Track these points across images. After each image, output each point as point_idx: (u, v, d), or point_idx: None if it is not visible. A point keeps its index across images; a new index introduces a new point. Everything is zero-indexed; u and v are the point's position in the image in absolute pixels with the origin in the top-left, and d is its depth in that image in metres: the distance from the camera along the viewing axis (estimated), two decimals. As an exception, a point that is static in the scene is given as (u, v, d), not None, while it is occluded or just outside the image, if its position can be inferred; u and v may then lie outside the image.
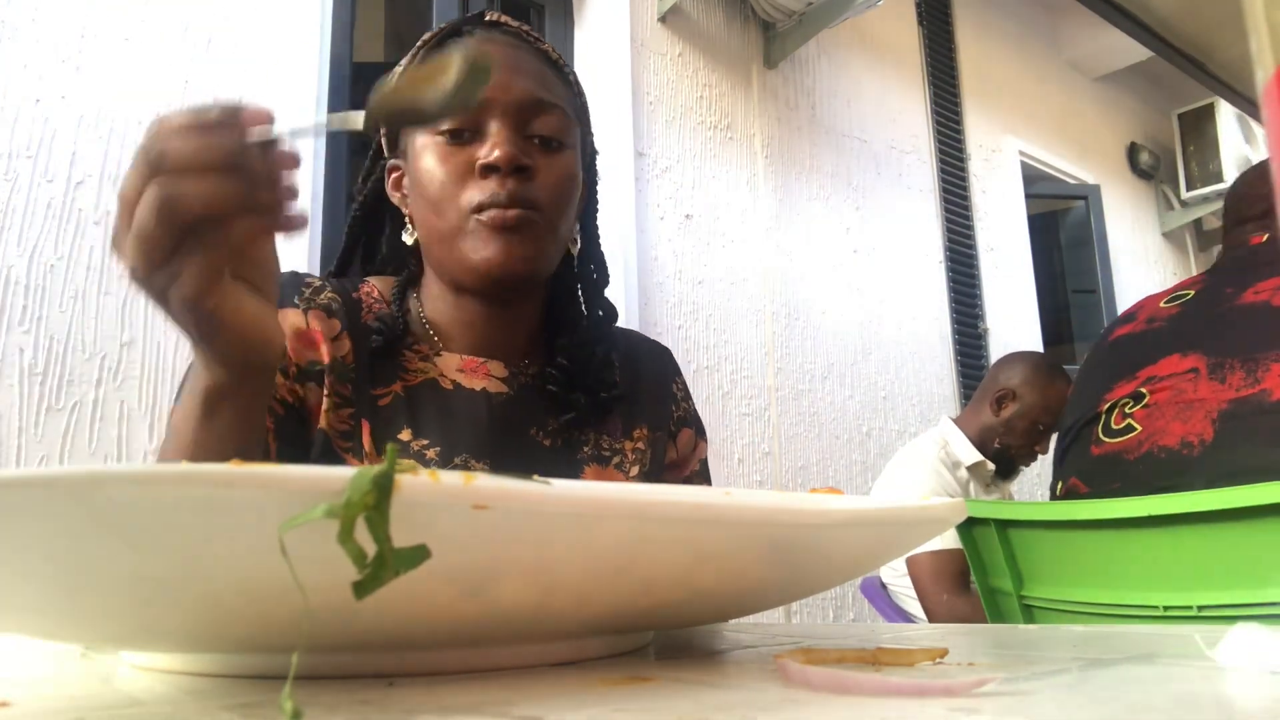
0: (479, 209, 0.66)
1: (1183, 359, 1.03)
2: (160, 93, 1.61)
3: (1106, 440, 1.08)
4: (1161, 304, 1.17)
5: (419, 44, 0.73)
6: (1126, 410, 1.06)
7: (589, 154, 0.79)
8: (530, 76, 0.70)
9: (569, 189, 0.71)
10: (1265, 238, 1.14)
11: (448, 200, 0.67)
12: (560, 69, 0.74)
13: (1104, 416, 1.10)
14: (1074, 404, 1.20)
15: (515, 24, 0.75)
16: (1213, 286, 1.12)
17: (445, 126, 0.68)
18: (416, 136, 0.70)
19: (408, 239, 0.74)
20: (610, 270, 0.83)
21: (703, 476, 0.85)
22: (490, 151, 0.66)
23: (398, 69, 0.73)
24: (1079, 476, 1.12)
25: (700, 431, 0.85)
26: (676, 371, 0.86)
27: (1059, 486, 1.17)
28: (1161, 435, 1.00)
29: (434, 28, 0.75)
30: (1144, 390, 1.05)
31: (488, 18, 0.74)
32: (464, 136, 0.68)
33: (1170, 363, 1.04)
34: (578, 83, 0.77)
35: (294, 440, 0.66)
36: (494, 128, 0.67)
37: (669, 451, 0.81)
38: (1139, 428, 1.04)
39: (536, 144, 0.69)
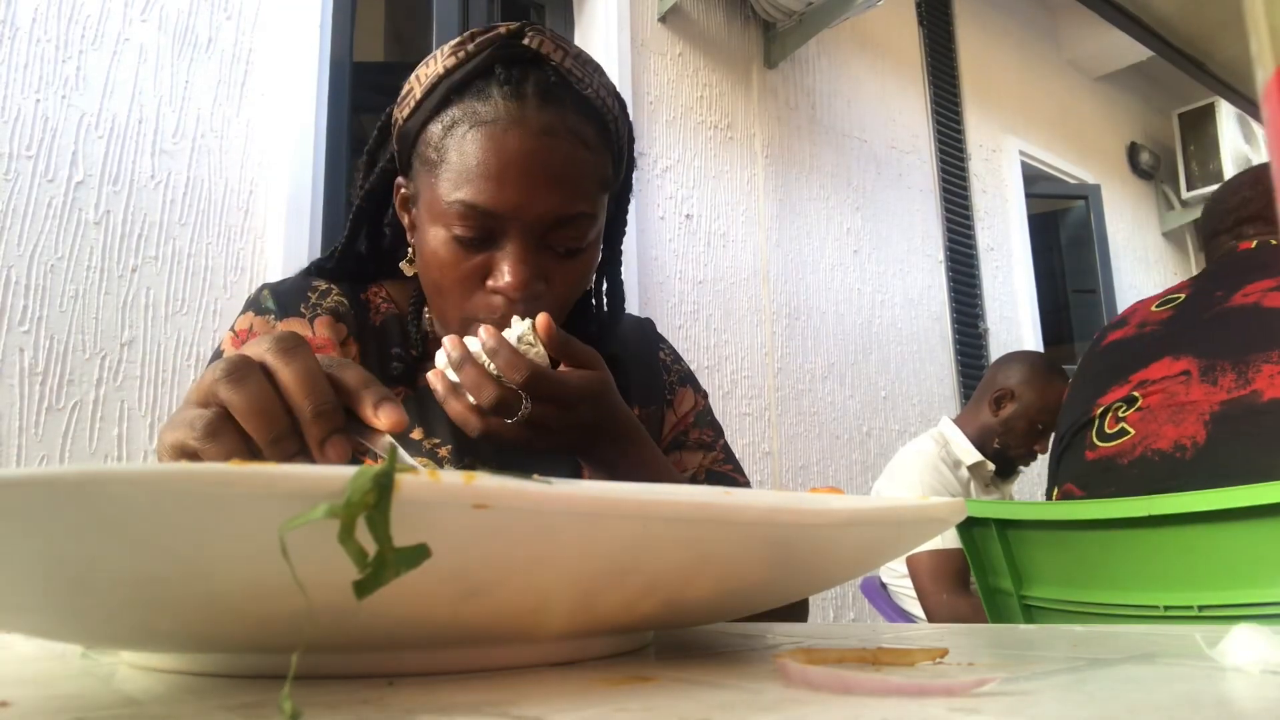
0: (480, 319, 0.63)
1: (1174, 362, 1.03)
2: (160, 93, 1.61)
3: (1100, 445, 1.08)
4: (1153, 308, 1.17)
5: (442, 74, 0.64)
6: (1120, 414, 1.06)
7: (625, 173, 0.73)
8: (559, 181, 0.62)
9: (580, 287, 0.68)
10: (1254, 244, 1.15)
11: (450, 299, 0.65)
12: (601, 119, 0.66)
13: (1097, 421, 1.10)
14: (1068, 410, 1.21)
15: (555, 59, 0.64)
16: (1204, 289, 1.12)
17: (458, 232, 0.62)
18: (429, 224, 0.64)
19: (407, 269, 0.72)
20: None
21: (703, 426, 0.82)
22: (501, 276, 0.62)
23: (415, 92, 0.66)
24: (1073, 481, 1.12)
25: (697, 388, 0.84)
26: (659, 340, 0.85)
27: (1054, 492, 1.17)
28: (1155, 439, 1.00)
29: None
30: (1136, 394, 1.05)
31: (526, 40, 0.64)
32: (476, 243, 0.63)
33: (1162, 366, 1.04)
34: (619, 121, 0.69)
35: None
36: (509, 245, 0.62)
37: (668, 419, 0.81)
38: (1132, 431, 1.03)
39: (558, 250, 0.64)
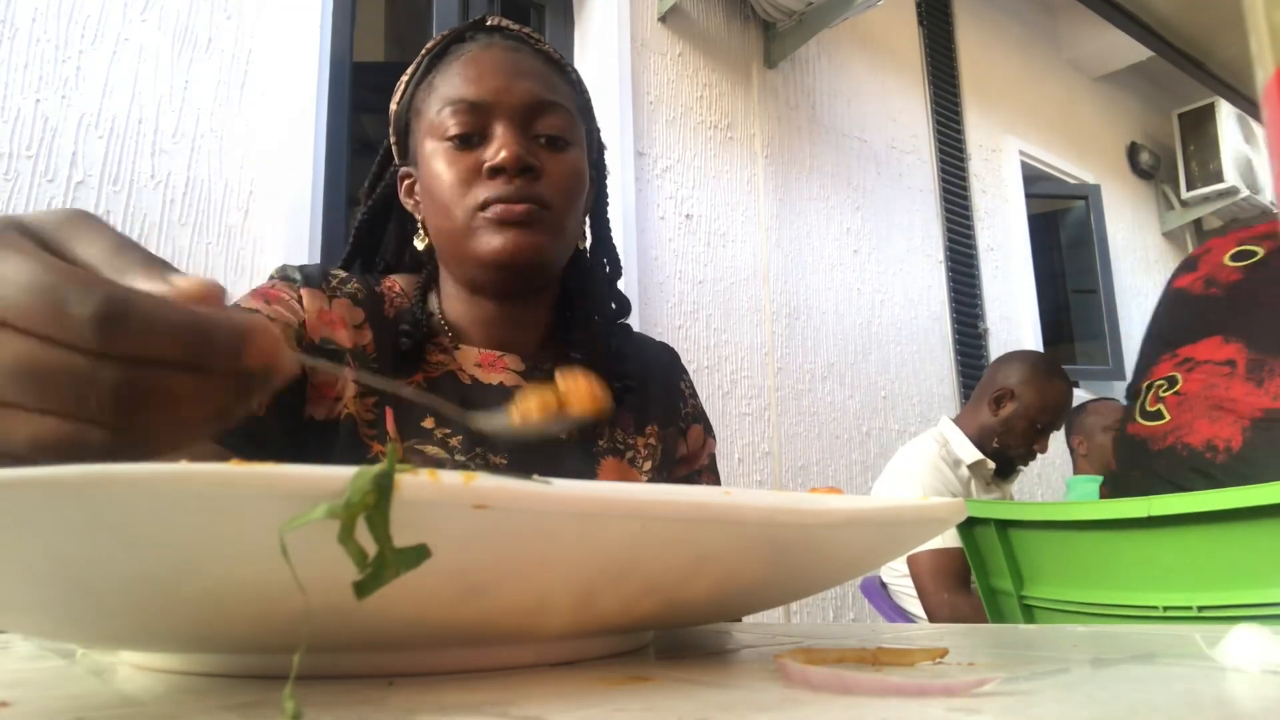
0: (486, 205, 0.67)
1: (1224, 344, 1.00)
2: (160, 93, 1.61)
3: (1140, 422, 1.06)
4: (1226, 259, 1.09)
5: (423, 52, 0.75)
6: (1160, 393, 1.04)
7: (595, 149, 0.81)
8: (532, 77, 0.70)
9: (576, 186, 0.72)
10: None
11: (456, 201, 0.68)
12: (562, 68, 0.76)
13: (1144, 394, 1.08)
14: (1141, 357, 1.16)
15: (515, 27, 0.76)
16: None
17: (452, 131, 0.68)
18: (426, 142, 0.71)
19: (419, 244, 0.75)
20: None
21: (712, 471, 0.87)
22: (496, 153, 0.67)
23: (404, 78, 0.75)
24: (1114, 454, 1.11)
25: (708, 428, 0.88)
26: (683, 371, 0.89)
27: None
28: (1188, 431, 0.98)
29: (434, 27, 0.75)
30: (1178, 374, 1.02)
31: (489, 22, 0.75)
32: (471, 141, 0.69)
33: (1211, 345, 1.01)
34: (580, 81, 0.78)
35: (286, 413, 0.65)
36: (499, 130, 0.68)
37: (680, 447, 0.84)
38: (1167, 417, 1.01)
39: (542, 143, 0.70)
